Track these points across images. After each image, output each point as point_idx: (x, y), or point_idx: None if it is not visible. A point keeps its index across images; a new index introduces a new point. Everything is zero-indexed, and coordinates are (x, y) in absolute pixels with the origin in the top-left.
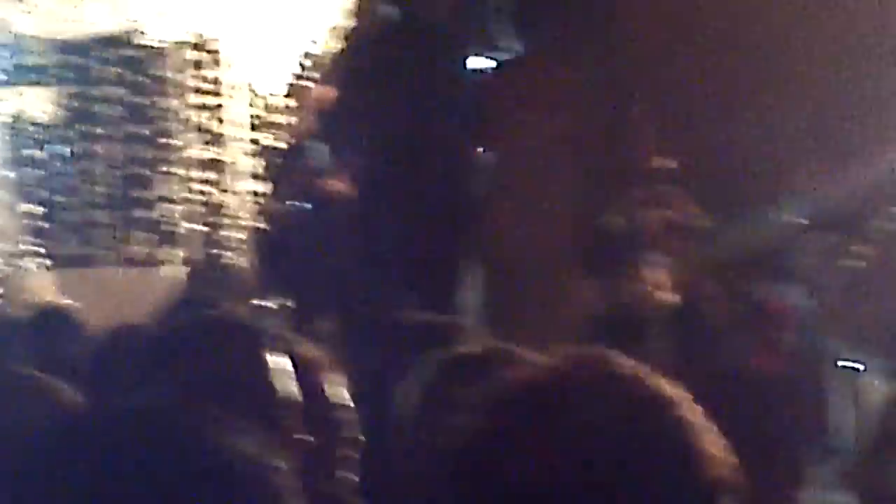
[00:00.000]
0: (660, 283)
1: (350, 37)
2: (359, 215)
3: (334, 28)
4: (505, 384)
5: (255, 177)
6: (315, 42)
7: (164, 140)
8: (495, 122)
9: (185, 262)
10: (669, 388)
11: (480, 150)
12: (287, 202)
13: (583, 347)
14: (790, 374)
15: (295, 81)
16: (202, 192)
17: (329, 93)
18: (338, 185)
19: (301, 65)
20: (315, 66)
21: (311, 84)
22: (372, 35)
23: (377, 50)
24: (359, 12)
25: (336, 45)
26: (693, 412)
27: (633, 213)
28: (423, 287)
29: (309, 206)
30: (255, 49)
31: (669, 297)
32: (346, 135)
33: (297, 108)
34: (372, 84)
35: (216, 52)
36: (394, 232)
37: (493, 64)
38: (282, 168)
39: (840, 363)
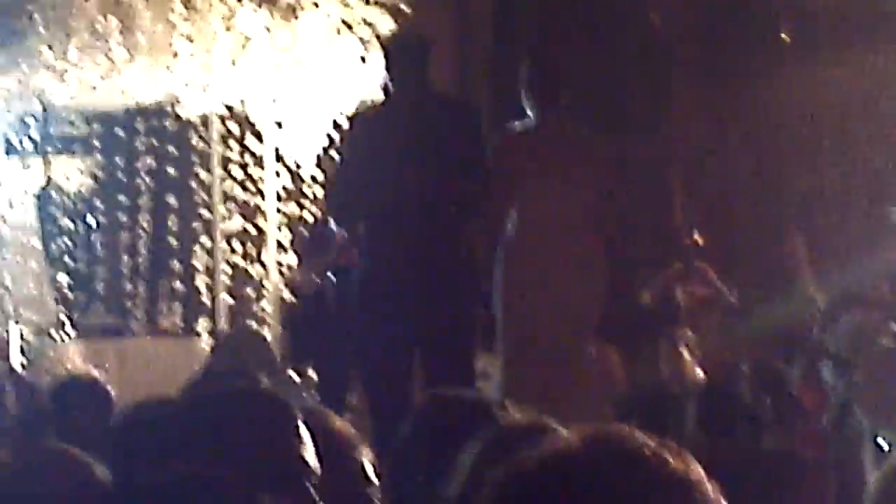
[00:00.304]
0: (688, 360)
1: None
2: (380, 288)
3: (363, 100)
4: (523, 461)
5: (283, 248)
6: (344, 114)
7: (193, 211)
8: (522, 192)
9: (214, 333)
10: (690, 467)
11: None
12: (313, 274)
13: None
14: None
15: (324, 153)
16: (231, 263)
17: None
18: (357, 257)
19: (329, 137)
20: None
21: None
22: (394, 109)
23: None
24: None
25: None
26: (714, 492)
27: (664, 289)
28: (444, 360)
29: (333, 278)
30: (286, 121)
31: (698, 373)
32: (362, 207)
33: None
34: (388, 156)
35: (247, 123)
36: (414, 306)
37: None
38: (309, 240)
39: (877, 442)
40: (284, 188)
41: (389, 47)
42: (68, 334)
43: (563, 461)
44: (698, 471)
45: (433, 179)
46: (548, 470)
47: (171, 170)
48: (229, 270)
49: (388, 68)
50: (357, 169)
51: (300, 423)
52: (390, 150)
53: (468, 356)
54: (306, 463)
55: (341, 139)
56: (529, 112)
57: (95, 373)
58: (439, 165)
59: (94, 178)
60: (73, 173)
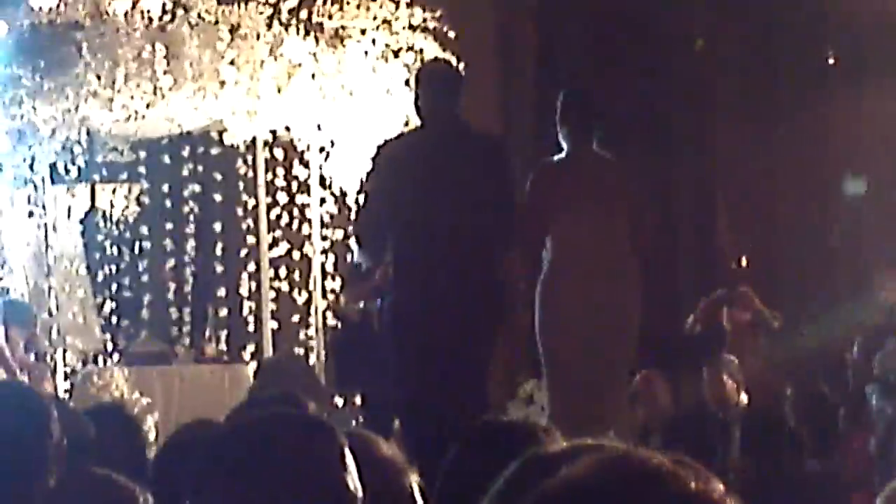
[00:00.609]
0: (732, 384)
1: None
2: (410, 317)
3: (407, 124)
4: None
5: (328, 274)
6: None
7: (239, 237)
8: (557, 221)
9: (259, 359)
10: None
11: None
12: (358, 300)
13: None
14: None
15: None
16: (276, 289)
17: None
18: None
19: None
20: None
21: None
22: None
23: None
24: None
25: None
26: None
27: (709, 314)
28: (484, 384)
29: (379, 303)
30: (332, 147)
31: (742, 398)
32: (390, 235)
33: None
34: (417, 184)
35: (293, 149)
36: (454, 330)
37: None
38: (352, 265)
39: None
40: (329, 214)
41: (420, 77)
42: (114, 361)
43: (583, 484)
44: (719, 489)
45: (461, 209)
46: (568, 494)
47: (216, 196)
48: (275, 296)
49: (417, 98)
50: (385, 197)
51: (345, 449)
52: (419, 179)
53: (510, 381)
54: (351, 489)
55: (375, 167)
56: (563, 142)
57: (141, 398)
58: (468, 196)
59: (140, 204)
60: (118, 200)
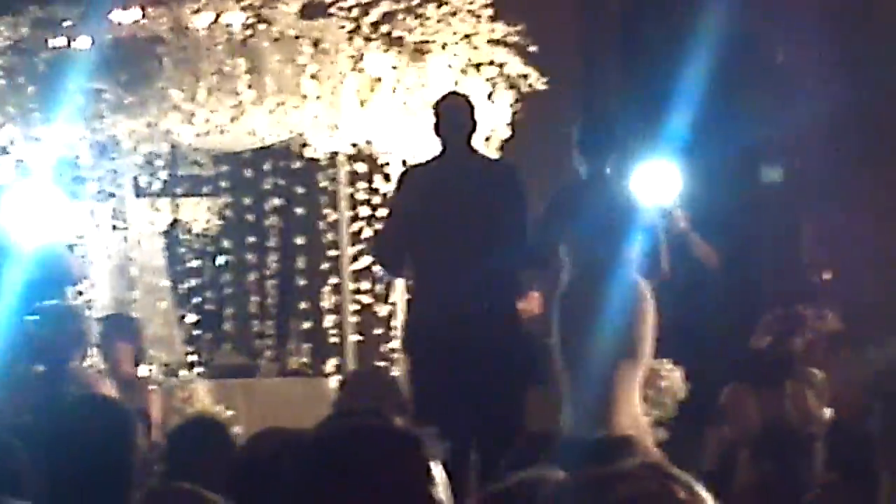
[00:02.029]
0: (816, 399)
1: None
2: (438, 327)
3: (488, 139)
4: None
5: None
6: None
7: (321, 250)
8: (578, 238)
9: (343, 373)
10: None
11: None
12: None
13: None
14: None
15: None
16: (359, 302)
17: None
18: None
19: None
20: None
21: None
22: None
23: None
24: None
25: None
26: None
27: (792, 326)
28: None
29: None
30: (414, 160)
31: (827, 412)
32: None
33: None
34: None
35: (375, 163)
36: (471, 344)
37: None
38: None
39: None
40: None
41: (439, 109)
42: (198, 374)
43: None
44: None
45: (477, 229)
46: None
47: (298, 209)
48: (357, 309)
49: (436, 128)
50: (406, 217)
51: (432, 462)
52: (437, 201)
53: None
54: (437, 502)
55: (397, 190)
56: (578, 168)
57: (225, 411)
58: (483, 216)
59: (222, 218)
60: (201, 214)
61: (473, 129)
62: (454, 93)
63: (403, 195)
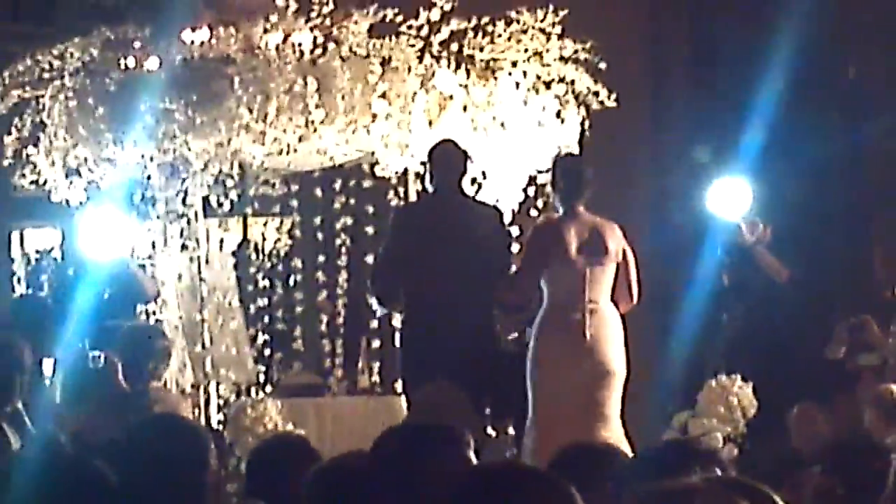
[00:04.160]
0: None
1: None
2: (428, 349)
3: (558, 156)
4: None
5: None
6: (540, 171)
7: None
8: (557, 269)
9: None
10: None
11: None
12: (510, 332)
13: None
14: None
15: (520, 210)
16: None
17: None
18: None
19: (526, 193)
20: (538, 194)
21: (534, 212)
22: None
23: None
24: None
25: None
26: None
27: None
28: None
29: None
30: (483, 179)
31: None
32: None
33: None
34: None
35: None
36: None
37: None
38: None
39: None
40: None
41: (433, 155)
42: (268, 393)
43: None
44: None
45: (463, 263)
46: None
47: (368, 228)
48: None
49: (431, 172)
50: (401, 252)
51: None
52: (428, 238)
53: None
54: None
55: (393, 228)
56: (556, 203)
57: (295, 431)
58: (469, 252)
59: (292, 237)
60: (270, 233)
61: (464, 174)
62: (449, 140)
63: (399, 233)
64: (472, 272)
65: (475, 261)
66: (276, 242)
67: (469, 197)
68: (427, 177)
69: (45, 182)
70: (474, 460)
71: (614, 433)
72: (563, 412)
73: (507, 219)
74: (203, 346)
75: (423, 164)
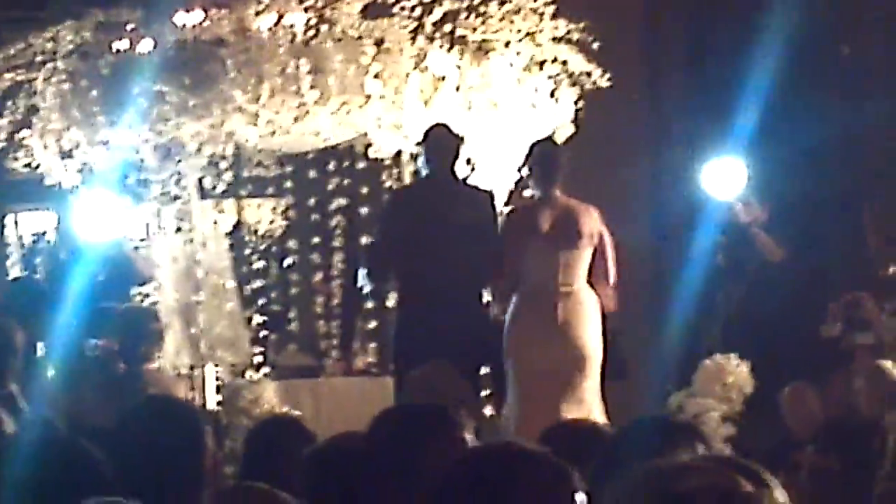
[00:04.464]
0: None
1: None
2: (421, 327)
3: (553, 135)
4: None
5: None
6: None
7: None
8: (532, 252)
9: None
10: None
11: None
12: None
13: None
14: None
15: (514, 189)
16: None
17: None
18: None
19: (521, 174)
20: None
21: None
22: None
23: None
24: None
25: None
26: None
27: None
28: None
29: None
30: (478, 160)
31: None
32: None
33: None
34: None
35: None
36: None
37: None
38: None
39: None
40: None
41: (427, 140)
42: (265, 374)
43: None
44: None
45: (454, 244)
46: None
47: (363, 209)
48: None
49: (426, 154)
50: (393, 233)
51: (579, 491)
52: (420, 221)
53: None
54: None
55: (387, 209)
56: (532, 188)
57: (291, 412)
58: (459, 234)
59: (287, 219)
60: (265, 215)
61: (457, 159)
62: (442, 125)
63: (393, 215)
64: (464, 255)
65: (467, 244)
66: (270, 224)
67: (462, 181)
68: (421, 161)
69: (38, 165)
70: (472, 441)
71: (592, 415)
72: (539, 394)
73: (503, 199)
74: (199, 328)
75: (417, 146)
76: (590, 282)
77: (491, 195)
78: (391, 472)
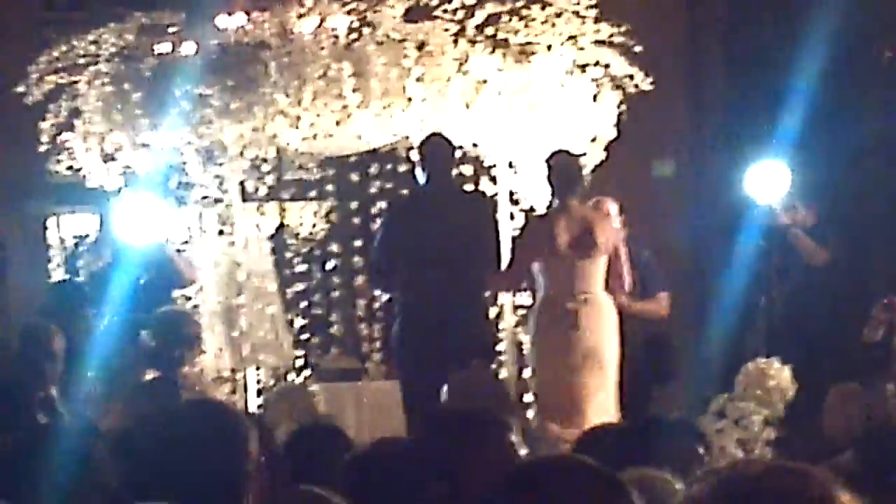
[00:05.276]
0: None
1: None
2: (424, 327)
3: (594, 140)
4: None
5: (519, 289)
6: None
7: None
8: (550, 259)
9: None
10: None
11: None
12: None
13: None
14: None
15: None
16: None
17: None
18: None
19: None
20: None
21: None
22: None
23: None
24: None
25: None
26: None
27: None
28: None
29: None
30: (520, 163)
31: None
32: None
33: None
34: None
35: (481, 166)
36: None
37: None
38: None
39: None
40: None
41: (424, 149)
42: (307, 377)
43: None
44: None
45: (453, 247)
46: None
47: None
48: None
49: (423, 162)
50: (396, 239)
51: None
52: (422, 225)
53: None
54: None
55: (388, 216)
56: (551, 197)
57: (333, 415)
58: (459, 237)
59: (329, 222)
60: (307, 218)
61: (453, 166)
62: (438, 134)
63: (393, 223)
64: (462, 261)
65: (465, 250)
66: (312, 227)
67: (459, 188)
68: (418, 170)
69: (81, 168)
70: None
71: (609, 418)
72: (559, 398)
73: (546, 202)
74: (240, 331)
75: (414, 155)
76: (607, 289)
77: (492, 200)
78: (439, 476)
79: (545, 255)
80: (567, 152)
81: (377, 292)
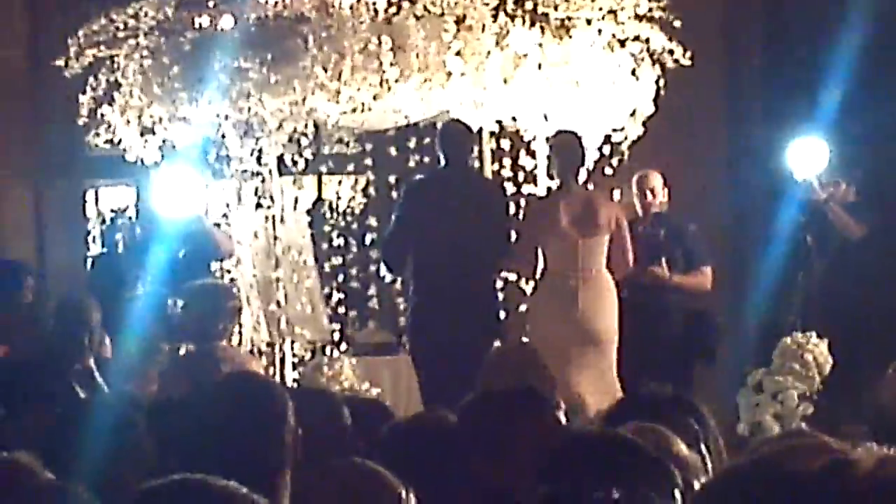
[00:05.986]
0: None
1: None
2: (436, 313)
3: (633, 114)
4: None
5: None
6: (615, 130)
7: None
8: (552, 238)
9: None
10: None
11: None
12: None
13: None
14: None
15: (594, 168)
16: (503, 280)
17: None
18: None
19: (601, 152)
20: (613, 153)
21: (609, 171)
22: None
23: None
24: None
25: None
26: None
27: None
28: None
29: None
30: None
31: None
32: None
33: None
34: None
35: (519, 140)
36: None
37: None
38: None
39: None
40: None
41: (442, 133)
42: (342, 351)
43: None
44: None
45: (467, 232)
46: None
47: None
48: (502, 286)
49: (442, 147)
50: (410, 222)
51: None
52: (436, 210)
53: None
54: None
55: (404, 199)
56: (555, 177)
57: (370, 388)
58: (473, 222)
59: (367, 195)
60: (345, 191)
61: (471, 152)
62: (457, 120)
63: (410, 204)
64: (478, 243)
65: (480, 233)
66: (350, 201)
67: (476, 172)
68: (439, 154)
69: (119, 141)
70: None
71: (609, 392)
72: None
73: (583, 177)
74: (278, 304)
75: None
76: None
77: (501, 187)
78: (484, 451)
79: (549, 233)
80: (569, 131)
81: (388, 277)
